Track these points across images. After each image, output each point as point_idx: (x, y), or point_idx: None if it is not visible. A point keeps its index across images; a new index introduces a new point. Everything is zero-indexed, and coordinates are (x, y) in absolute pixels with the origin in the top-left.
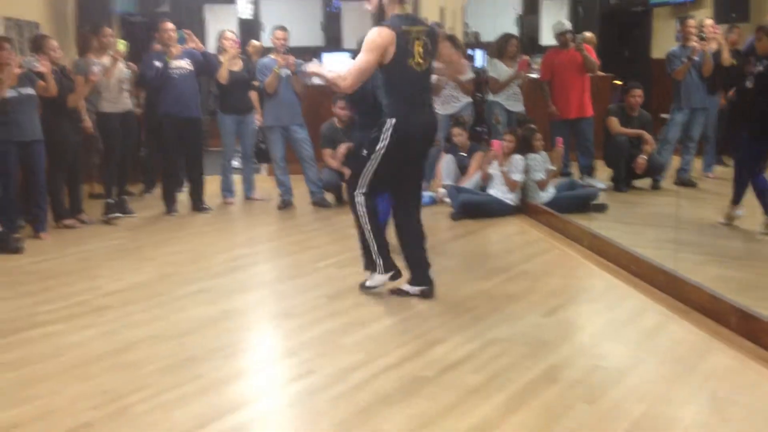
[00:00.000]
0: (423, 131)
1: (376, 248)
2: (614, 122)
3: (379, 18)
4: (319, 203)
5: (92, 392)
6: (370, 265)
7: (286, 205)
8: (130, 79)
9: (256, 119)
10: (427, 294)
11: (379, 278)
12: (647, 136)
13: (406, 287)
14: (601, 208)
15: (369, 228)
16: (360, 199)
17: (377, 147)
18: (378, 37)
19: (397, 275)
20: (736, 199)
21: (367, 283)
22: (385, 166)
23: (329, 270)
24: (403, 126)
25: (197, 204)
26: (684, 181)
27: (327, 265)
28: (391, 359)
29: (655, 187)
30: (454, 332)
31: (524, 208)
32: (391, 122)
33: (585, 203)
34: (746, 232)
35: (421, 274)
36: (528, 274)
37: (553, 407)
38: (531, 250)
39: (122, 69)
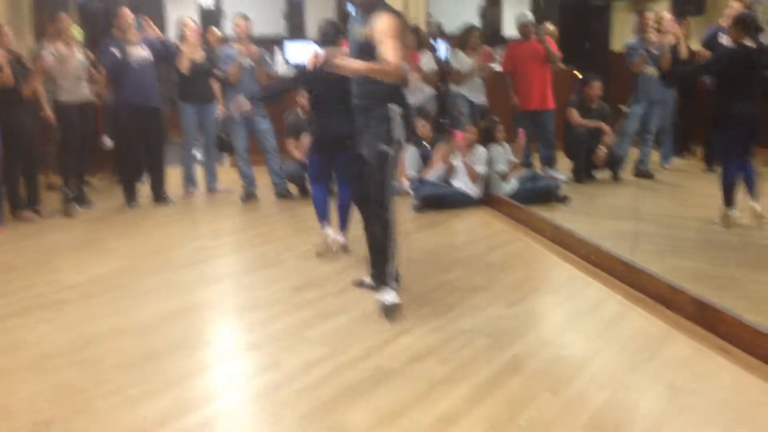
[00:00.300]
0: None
1: (393, 268)
2: (574, 114)
3: (373, 5)
4: (282, 195)
5: (52, 388)
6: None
7: (249, 197)
8: (87, 68)
9: (219, 110)
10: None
11: (391, 299)
12: (606, 128)
13: (369, 280)
14: (564, 200)
15: (395, 245)
16: (392, 210)
17: (394, 141)
18: (395, 21)
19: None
20: (728, 201)
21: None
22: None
23: (293, 261)
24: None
25: (158, 195)
26: (642, 172)
27: (291, 257)
28: (355, 352)
29: (615, 178)
30: (419, 324)
31: (487, 200)
32: (394, 109)
33: (547, 195)
34: (703, 221)
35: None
36: (491, 265)
37: (518, 397)
38: (494, 241)
39: (79, 57)
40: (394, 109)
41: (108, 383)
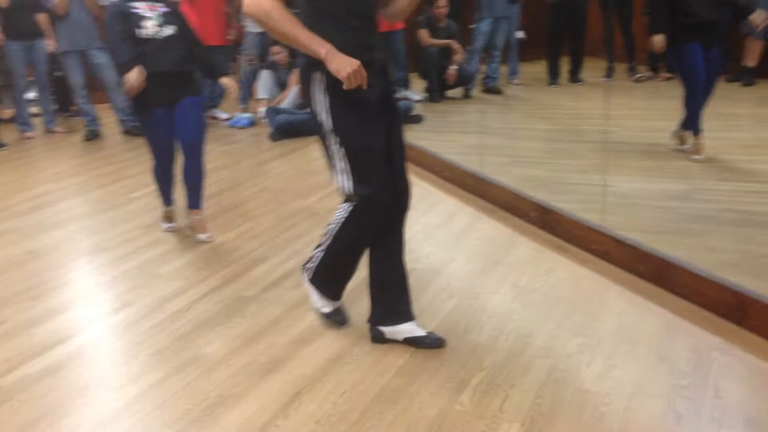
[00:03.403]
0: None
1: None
2: (424, 34)
3: None
4: (130, 131)
5: None
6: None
7: (93, 135)
8: None
9: (48, 44)
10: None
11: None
12: (456, 45)
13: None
14: (417, 119)
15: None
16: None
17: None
18: None
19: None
20: (695, 128)
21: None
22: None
23: (145, 200)
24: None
25: None
26: (491, 88)
27: (142, 195)
28: (211, 283)
29: (467, 96)
30: (275, 251)
31: None
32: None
33: (401, 116)
34: (546, 133)
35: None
36: None
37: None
38: None
39: None
40: None
41: None
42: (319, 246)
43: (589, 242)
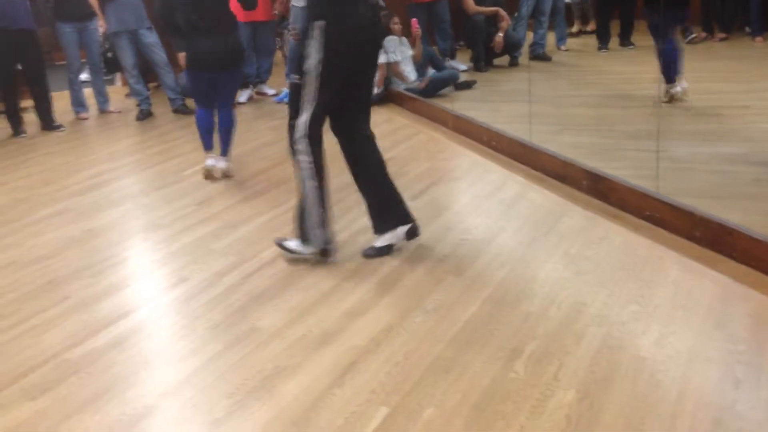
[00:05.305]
0: (362, 30)
1: (315, 219)
2: (470, 2)
3: None
4: (179, 110)
5: None
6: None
7: (145, 115)
8: None
9: (99, 26)
10: (413, 234)
11: (303, 249)
12: (502, 13)
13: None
14: (468, 85)
15: (312, 192)
16: (301, 146)
17: (309, 65)
18: None
19: (329, 252)
20: (669, 77)
21: (290, 245)
22: (328, 90)
23: (196, 177)
24: (336, 28)
25: (47, 122)
26: (539, 55)
27: (193, 173)
28: (263, 257)
29: (513, 63)
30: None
31: (389, 96)
32: (319, 26)
33: (448, 84)
34: (595, 99)
35: (401, 211)
36: (395, 159)
37: (423, 283)
38: (397, 136)
39: None
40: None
41: (8, 317)
42: None
43: (643, 209)
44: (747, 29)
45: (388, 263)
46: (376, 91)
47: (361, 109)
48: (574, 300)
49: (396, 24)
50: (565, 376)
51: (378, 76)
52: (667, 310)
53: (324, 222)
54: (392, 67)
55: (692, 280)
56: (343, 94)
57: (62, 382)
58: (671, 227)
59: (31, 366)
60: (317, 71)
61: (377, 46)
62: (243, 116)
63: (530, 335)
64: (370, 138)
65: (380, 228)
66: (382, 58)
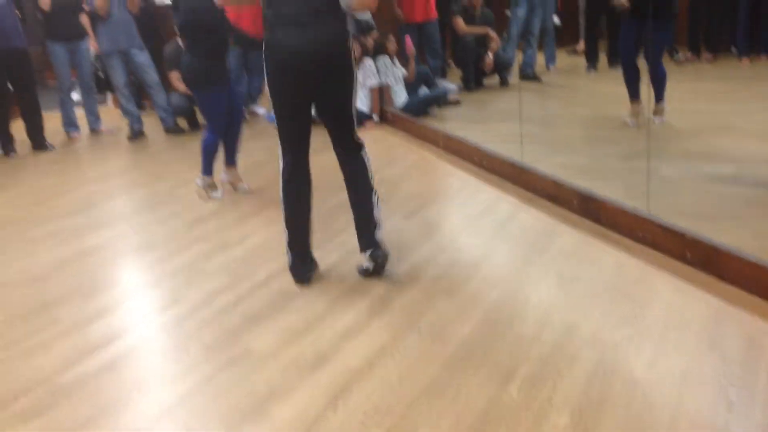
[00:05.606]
0: (297, 54)
1: (284, 239)
2: (460, 22)
3: None
4: (171, 130)
5: None
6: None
7: (136, 134)
8: None
9: (91, 46)
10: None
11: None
12: (492, 33)
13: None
14: (455, 103)
15: (283, 212)
16: (281, 183)
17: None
18: None
19: (308, 275)
20: (634, 95)
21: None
22: (281, 121)
23: (189, 197)
24: (270, 56)
25: (38, 142)
26: (528, 75)
27: (185, 193)
28: (257, 278)
29: (503, 83)
30: (317, 246)
31: (381, 116)
32: (264, 55)
33: (436, 102)
34: (585, 119)
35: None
36: (387, 180)
37: (416, 304)
38: (389, 156)
39: None
40: None
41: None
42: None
43: (634, 230)
44: (733, 49)
45: (381, 283)
46: (375, 119)
47: (332, 132)
48: (567, 322)
49: (392, 44)
50: (559, 398)
51: (372, 101)
52: (659, 331)
53: (290, 247)
54: (384, 91)
55: (684, 301)
56: (301, 123)
57: (55, 406)
58: (663, 248)
59: (22, 390)
60: (271, 102)
61: (331, 68)
62: None
63: (524, 357)
64: (352, 156)
65: (362, 246)
66: (374, 82)
